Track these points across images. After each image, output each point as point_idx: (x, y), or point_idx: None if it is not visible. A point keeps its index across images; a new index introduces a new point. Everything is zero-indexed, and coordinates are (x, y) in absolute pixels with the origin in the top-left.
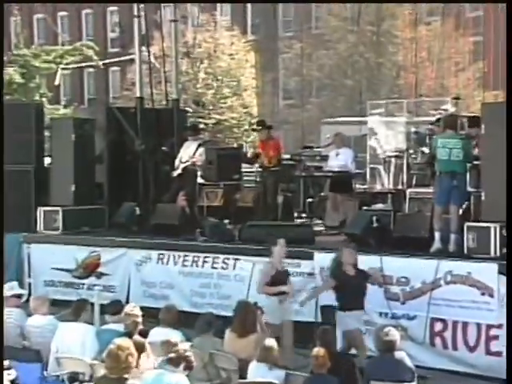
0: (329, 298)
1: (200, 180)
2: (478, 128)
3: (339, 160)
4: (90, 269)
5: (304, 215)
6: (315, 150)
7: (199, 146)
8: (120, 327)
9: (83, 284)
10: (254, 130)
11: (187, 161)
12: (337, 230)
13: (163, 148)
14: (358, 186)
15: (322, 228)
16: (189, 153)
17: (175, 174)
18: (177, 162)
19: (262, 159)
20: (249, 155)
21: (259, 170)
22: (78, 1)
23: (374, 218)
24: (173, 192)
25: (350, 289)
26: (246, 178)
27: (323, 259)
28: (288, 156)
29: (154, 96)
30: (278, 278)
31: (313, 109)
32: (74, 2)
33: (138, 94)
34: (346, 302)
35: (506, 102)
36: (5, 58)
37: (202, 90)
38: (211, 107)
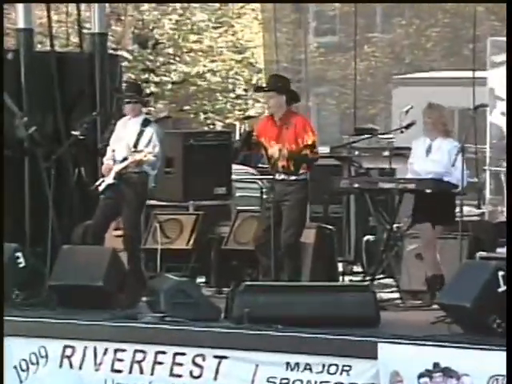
0: None
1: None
2: None
3: (433, 160)
4: None
5: (357, 269)
6: (380, 137)
7: (145, 126)
8: None
9: None
10: (259, 89)
11: (125, 159)
12: (423, 300)
13: (74, 133)
14: (467, 209)
15: (394, 295)
16: (128, 142)
17: (102, 185)
18: (105, 159)
19: (273, 157)
20: (238, 145)
21: (268, 178)
22: (78, 1)
23: (501, 275)
24: (97, 222)
25: None
26: (240, 194)
27: (395, 359)
28: (325, 150)
29: (57, 29)
30: None
31: (375, 54)
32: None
33: (21, 25)
34: None
35: (506, 102)
36: None
37: (151, 16)
38: (171, 51)
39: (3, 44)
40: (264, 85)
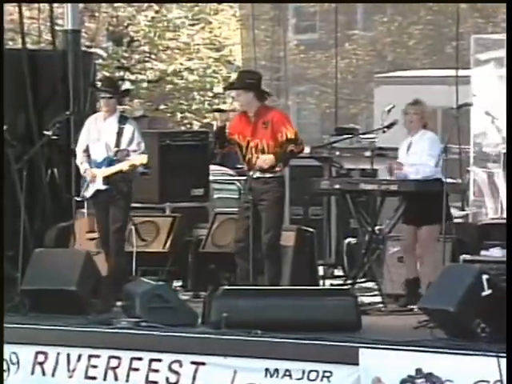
0: None
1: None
2: None
3: (414, 158)
4: None
5: (338, 272)
6: (362, 137)
7: (123, 123)
8: None
9: None
10: (228, 88)
11: (110, 160)
12: (406, 304)
13: (47, 133)
14: (451, 211)
15: (375, 299)
16: (107, 142)
17: (88, 191)
18: (78, 160)
19: (247, 156)
20: (215, 146)
21: (242, 178)
22: (79, 1)
23: (485, 278)
24: (102, 230)
25: None
26: (218, 196)
27: (377, 365)
28: (305, 150)
29: (29, 26)
30: None
31: (356, 52)
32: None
33: None
34: None
35: (506, 102)
36: None
37: (126, 12)
38: (147, 48)
39: (3, 44)
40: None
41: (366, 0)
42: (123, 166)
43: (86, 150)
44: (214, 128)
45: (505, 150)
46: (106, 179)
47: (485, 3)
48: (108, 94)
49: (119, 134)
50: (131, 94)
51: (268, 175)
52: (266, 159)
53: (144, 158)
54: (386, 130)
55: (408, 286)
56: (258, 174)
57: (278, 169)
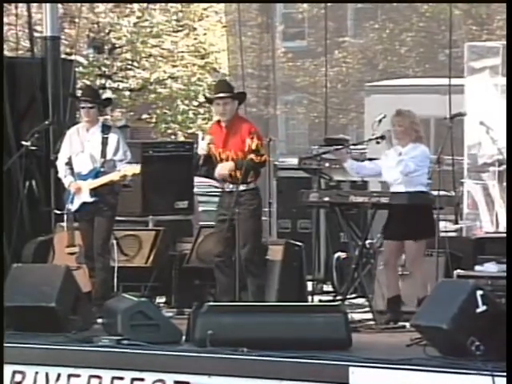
0: None
1: None
2: None
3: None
4: None
5: (328, 288)
6: (352, 148)
7: (107, 133)
8: None
9: None
10: (208, 99)
11: (96, 172)
12: (377, 321)
13: (25, 143)
14: (444, 225)
15: (366, 315)
16: (91, 153)
17: (74, 204)
18: (61, 174)
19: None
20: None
21: (217, 191)
22: (79, 1)
23: (479, 294)
24: (88, 244)
25: None
26: (203, 209)
27: (368, 383)
28: (293, 161)
29: (7, 32)
30: None
31: (346, 60)
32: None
33: None
34: None
35: (506, 102)
36: None
37: (107, 18)
38: (129, 56)
39: (3, 44)
40: (207, 94)
41: (359, 0)
42: (114, 176)
43: (69, 163)
44: (200, 137)
45: (500, 161)
46: (93, 191)
47: (479, 7)
48: (89, 103)
49: (104, 144)
50: (113, 103)
51: (241, 188)
52: (225, 165)
53: (136, 169)
54: (380, 140)
55: (389, 304)
56: (231, 187)
57: (249, 180)
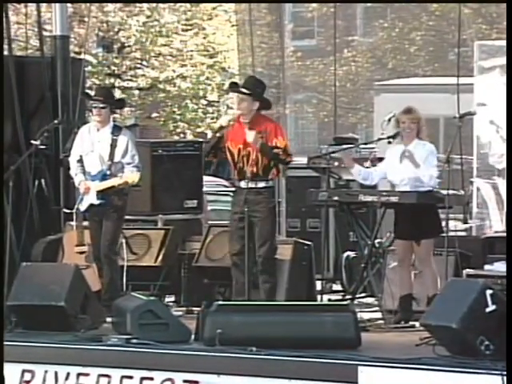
0: None
1: None
2: None
3: (406, 165)
4: None
5: (337, 287)
6: (362, 147)
7: (117, 135)
8: None
9: None
10: (234, 87)
11: (104, 174)
12: (399, 320)
13: (34, 142)
14: (453, 224)
15: (375, 315)
16: (100, 154)
17: (83, 204)
18: (72, 171)
19: (238, 164)
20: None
21: (232, 189)
22: (78, 1)
23: (489, 294)
24: (96, 244)
25: None
26: (212, 207)
27: (377, 382)
28: (302, 160)
29: (16, 31)
30: None
31: (355, 59)
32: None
33: None
34: None
35: (506, 102)
36: None
37: (117, 17)
38: (138, 55)
39: (3, 44)
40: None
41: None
42: (115, 182)
43: (80, 161)
44: (209, 136)
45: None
46: (100, 193)
47: (488, 6)
48: (101, 103)
49: (113, 145)
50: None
51: (260, 185)
52: (255, 135)
53: (136, 177)
54: (391, 140)
55: (401, 303)
56: (250, 184)
57: (270, 177)
